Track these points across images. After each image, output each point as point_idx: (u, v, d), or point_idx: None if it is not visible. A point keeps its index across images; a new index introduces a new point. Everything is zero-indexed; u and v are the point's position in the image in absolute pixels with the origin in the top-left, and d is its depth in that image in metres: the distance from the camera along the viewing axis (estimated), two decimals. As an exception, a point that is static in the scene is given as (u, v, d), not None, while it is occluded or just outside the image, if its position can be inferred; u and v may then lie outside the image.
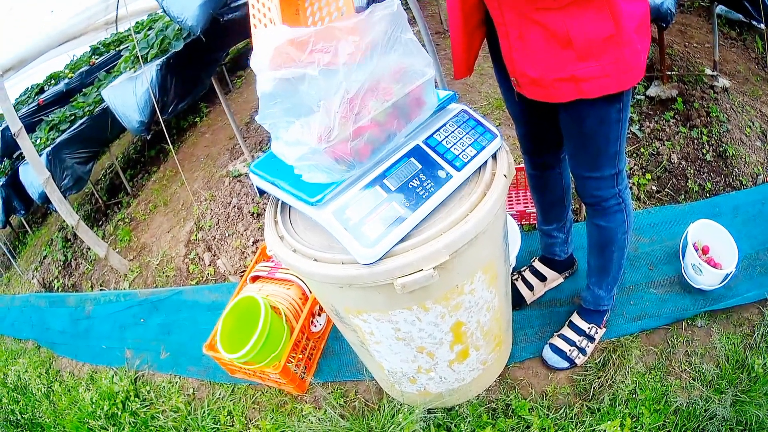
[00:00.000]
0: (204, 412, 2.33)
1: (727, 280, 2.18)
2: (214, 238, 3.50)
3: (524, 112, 1.79)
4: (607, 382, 2.02)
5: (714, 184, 2.91)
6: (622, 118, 1.50)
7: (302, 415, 2.04)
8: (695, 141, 3.06)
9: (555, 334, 2.12)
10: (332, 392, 2.08)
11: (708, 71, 3.47)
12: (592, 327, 2.08)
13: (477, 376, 1.88)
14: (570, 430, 1.90)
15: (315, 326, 2.24)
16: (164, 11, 2.88)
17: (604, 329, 2.12)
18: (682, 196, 2.80)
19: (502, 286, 1.68)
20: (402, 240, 1.23)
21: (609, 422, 1.85)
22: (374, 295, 1.33)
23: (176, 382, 2.63)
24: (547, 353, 2.08)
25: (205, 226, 3.67)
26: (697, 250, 2.30)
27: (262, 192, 1.47)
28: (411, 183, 1.29)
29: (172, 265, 3.58)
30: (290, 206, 1.46)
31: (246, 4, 3.48)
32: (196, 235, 3.71)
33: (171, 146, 2.88)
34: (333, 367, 2.22)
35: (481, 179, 1.39)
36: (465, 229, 1.25)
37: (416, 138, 1.39)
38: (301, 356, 2.12)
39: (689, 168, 2.95)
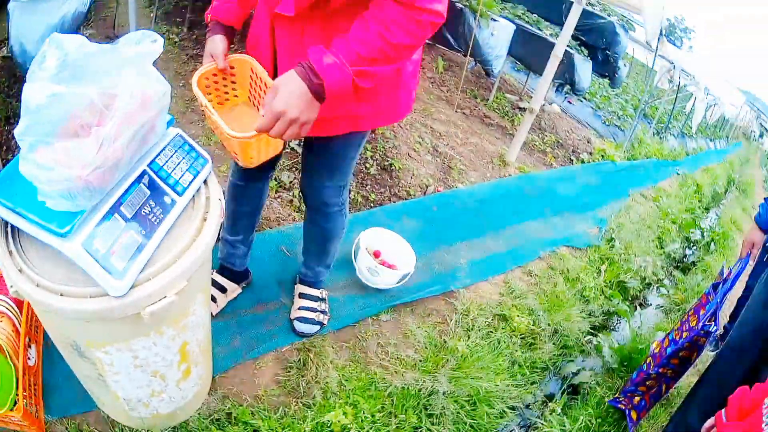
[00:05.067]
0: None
1: (405, 279, 2.58)
2: None
3: None
4: (313, 379, 2.25)
5: (378, 194, 3.32)
6: (363, 143, 1.88)
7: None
8: (359, 156, 3.46)
9: (294, 309, 2.41)
10: (68, 428, 1.95)
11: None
12: (321, 291, 2.40)
13: (197, 391, 1.97)
14: (297, 426, 2.07)
15: (30, 360, 2.05)
16: None
17: None
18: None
19: (209, 304, 1.80)
20: (143, 269, 1.28)
21: (331, 413, 2.08)
22: (119, 326, 1.35)
23: None
24: (300, 326, 2.32)
25: None
26: (369, 254, 2.65)
27: None
28: (143, 210, 1.33)
29: None
30: (19, 233, 1.35)
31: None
32: None
33: None
34: (58, 400, 2.05)
35: (198, 203, 1.50)
36: (197, 254, 1.36)
37: (141, 163, 1.42)
38: (27, 394, 1.93)
39: (351, 182, 3.34)
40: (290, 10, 1.42)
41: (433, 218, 3.06)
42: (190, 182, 1.48)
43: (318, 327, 2.38)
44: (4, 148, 2.98)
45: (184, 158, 1.52)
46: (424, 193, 3.43)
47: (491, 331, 2.76)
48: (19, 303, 2.05)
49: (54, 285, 1.25)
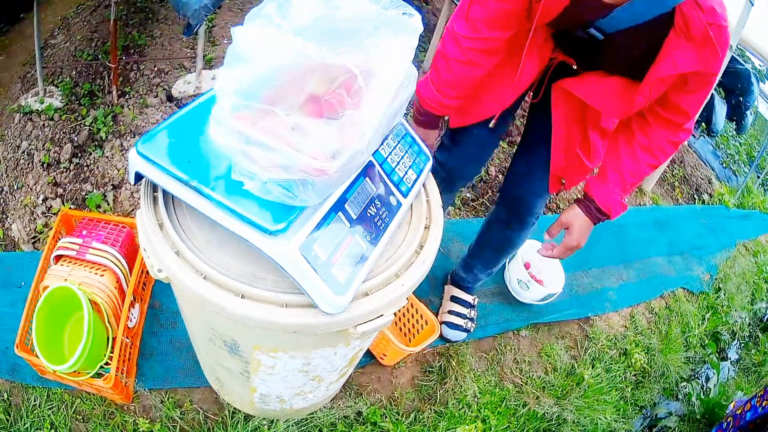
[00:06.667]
0: (25, 423, 1.61)
1: (552, 299, 2.24)
2: (2, 190, 2.73)
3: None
4: (451, 387, 1.98)
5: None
6: None
7: (137, 431, 1.59)
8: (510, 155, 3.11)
9: (443, 312, 2.12)
10: (164, 402, 1.65)
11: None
12: (474, 297, 2.15)
13: (338, 388, 1.69)
14: (424, 435, 1.82)
15: (130, 321, 1.70)
16: None
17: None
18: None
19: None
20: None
21: (465, 426, 1.83)
22: (309, 338, 1.03)
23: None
24: (447, 331, 2.07)
25: (-12, 173, 2.84)
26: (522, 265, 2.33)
27: (139, 178, 0.95)
28: (369, 210, 1.00)
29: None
30: (174, 202, 0.99)
31: None
32: (-27, 184, 2.84)
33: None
34: (157, 370, 1.73)
35: (419, 208, 1.17)
36: (422, 270, 1.03)
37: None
38: (121, 358, 1.58)
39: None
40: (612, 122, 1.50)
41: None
42: (414, 182, 1.15)
43: (465, 335, 2.09)
44: (122, 78, 2.75)
45: (407, 152, 1.18)
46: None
47: (612, 364, 2.46)
48: (128, 256, 1.72)
49: (232, 282, 0.89)
